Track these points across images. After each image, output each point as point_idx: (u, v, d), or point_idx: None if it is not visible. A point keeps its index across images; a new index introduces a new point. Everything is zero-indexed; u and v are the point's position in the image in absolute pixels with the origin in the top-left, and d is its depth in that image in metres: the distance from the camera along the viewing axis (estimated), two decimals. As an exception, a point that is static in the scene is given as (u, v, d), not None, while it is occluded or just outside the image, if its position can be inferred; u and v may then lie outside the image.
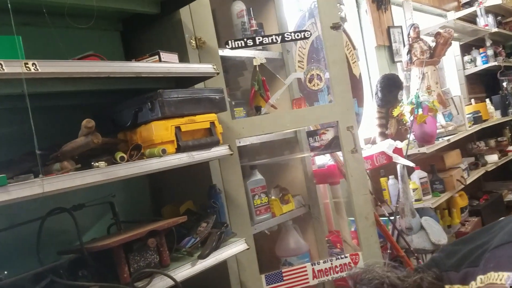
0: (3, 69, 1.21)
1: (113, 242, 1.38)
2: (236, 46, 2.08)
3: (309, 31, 2.39)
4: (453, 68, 5.98)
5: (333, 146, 2.29)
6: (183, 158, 1.66)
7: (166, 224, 1.54)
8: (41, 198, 1.25)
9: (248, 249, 1.90)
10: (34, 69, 1.28)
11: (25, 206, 1.42)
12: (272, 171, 2.64)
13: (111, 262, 1.46)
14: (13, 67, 1.23)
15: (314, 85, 2.24)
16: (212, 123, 1.80)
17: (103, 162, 1.45)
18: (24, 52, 1.33)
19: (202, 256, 1.66)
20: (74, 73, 1.40)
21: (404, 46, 4.44)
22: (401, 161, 3.08)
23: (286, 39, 2.17)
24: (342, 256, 2.24)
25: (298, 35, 2.16)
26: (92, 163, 1.44)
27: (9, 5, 1.32)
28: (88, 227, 1.89)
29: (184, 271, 1.59)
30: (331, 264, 2.18)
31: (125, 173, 1.45)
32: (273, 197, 2.43)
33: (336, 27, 2.24)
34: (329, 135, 2.26)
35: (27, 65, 1.27)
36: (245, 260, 2.04)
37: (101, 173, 1.40)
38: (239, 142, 2.22)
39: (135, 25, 2.12)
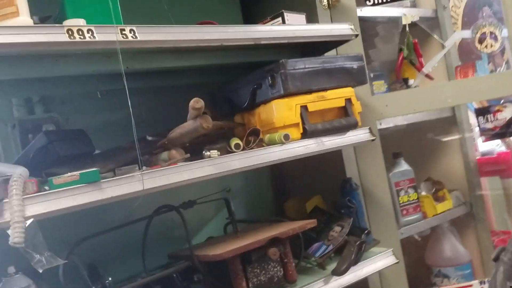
0: (94, 37, 0.98)
1: (226, 252, 1.10)
2: (380, 1, 1.63)
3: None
4: None
5: None
6: (311, 146, 1.30)
7: (291, 231, 1.22)
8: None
9: (397, 262, 1.48)
10: (132, 36, 1.04)
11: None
12: (421, 160, 2.14)
13: (226, 271, 1.19)
14: (106, 34, 1.00)
15: (486, 47, 1.68)
16: (348, 100, 1.40)
17: (216, 151, 1.18)
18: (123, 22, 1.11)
19: (338, 272, 1.30)
20: (180, 41, 1.13)
21: None
22: None
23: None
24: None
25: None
26: (203, 152, 1.17)
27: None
28: (204, 223, 1.67)
29: (315, 290, 1.26)
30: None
31: (240, 165, 1.16)
32: (423, 193, 2.01)
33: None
34: (506, 113, 1.68)
35: (123, 32, 1.03)
36: (390, 274, 1.63)
37: (212, 165, 1.12)
38: (380, 124, 1.79)
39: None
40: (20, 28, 0.88)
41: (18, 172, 0.91)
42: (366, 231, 1.46)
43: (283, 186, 1.91)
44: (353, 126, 1.39)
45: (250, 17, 1.88)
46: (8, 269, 0.99)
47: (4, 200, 0.85)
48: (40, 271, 0.85)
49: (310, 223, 1.28)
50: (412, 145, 2.11)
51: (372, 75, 1.98)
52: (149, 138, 1.42)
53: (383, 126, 1.82)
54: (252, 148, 1.22)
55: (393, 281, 1.63)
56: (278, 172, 1.92)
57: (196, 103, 1.11)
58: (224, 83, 1.55)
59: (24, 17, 0.91)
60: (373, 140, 1.46)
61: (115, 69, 1.13)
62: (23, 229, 0.83)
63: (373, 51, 2.24)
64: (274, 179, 1.92)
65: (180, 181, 1.07)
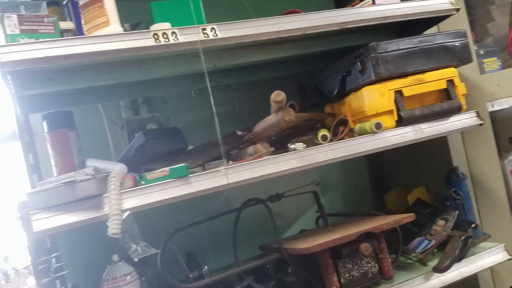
0: (178, 39, 1.02)
1: (314, 246, 1.08)
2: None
3: None
4: None
5: None
6: (408, 134, 1.21)
7: (385, 225, 1.14)
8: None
9: (510, 259, 1.31)
10: (213, 34, 1.07)
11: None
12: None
13: (317, 265, 1.16)
14: (189, 35, 1.04)
15: None
16: (450, 82, 1.27)
17: (301, 144, 1.16)
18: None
19: (440, 269, 1.19)
20: (260, 34, 1.13)
21: None
22: None
23: None
24: None
25: None
26: (289, 145, 1.16)
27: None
28: (298, 215, 1.66)
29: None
30: None
31: (325, 157, 1.12)
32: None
33: None
34: None
35: (204, 31, 1.06)
36: (505, 272, 1.45)
37: (296, 158, 1.10)
38: (492, 106, 1.58)
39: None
40: (110, 36, 0.96)
41: (117, 169, 0.99)
42: (473, 225, 1.31)
43: (382, 177, 1.81)
44: (457, 110, 1.26)
45: (344, 3, 1.80)
46: (112, 257, 1.09)
47: (104, 195, 0.93)
48: (135, 260, 0.92)
49: (407, 217, 1.19)
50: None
51: (482, 51, 1.76)
52: (239, 132, 1.45)
53: (496, 107, 1.60)
54: (340, 139, 1.17)
55: (509, 279, 1.44)
56: (378, 163, 1.82)
57: (277, 96, 1.09)
58: (313, 72, 1.51)
59: (114, 26, 0.98)
60: (481, 124, 1.30)
61: (203, 67, 1.18)
62: (120, 221, 0.90)
63: (492, 24, 1.99)
64: (373, 170, 1.82)
65: (264, 174, 1.07)
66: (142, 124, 1.65)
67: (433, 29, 1.46)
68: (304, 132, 1.33)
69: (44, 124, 1.26)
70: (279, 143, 1.27)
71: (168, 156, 1.25)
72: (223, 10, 1.54)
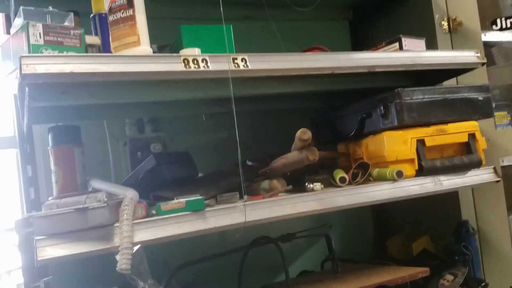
0: (208, 66, 0.98)
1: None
2: (509, 25, 1.45)
3: None
4: None
5: None
6: (427, 185, 1.18)
7: (400, 279, 1.10)
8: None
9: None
10: (243, 65, 1.03)
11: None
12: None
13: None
14: (219, 64, 0.99)
15: None
16: (472, 136, 1.25)
17: (319, 184, 1.12)
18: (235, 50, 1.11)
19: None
20: (291, 69, 1.10)
21: None
22: None
23: None
24: None
25: None
26: (306, 184, 1.11)
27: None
28: (297, 255, 1.60)
29: None
30: None
31: (347, 202, 1.08)
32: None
33: None
34: None
35: (235, 61, 1.02)
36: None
37: (316, 200, 1.06)
38: (502, 161, 1.58)
39: (367, 12, 1.73)
40: (140, 57, 0.91)
41: (130, 196, 0.93)
42: (483, 284, 1.28)
43: (385, 222, 1.77)
44: (477, 165, 1.24)
45: (360, 41, 1.80)
46: (113, 291, 1.01)
47: (115, 224, 0.87)
48: (143, 299, 0.85)
49: (422, 272, 1.15)
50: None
51: (493, 104, 1.77)
52: (249, 163, 1.40)
53: (505, 163, 1.60)
54: (359, 183, 1.14)
55: None
56: (381, 206, 1.79)
57: (304, 134, 1.06)
58: (327, 108, 1.49)
59: (145, 47, 0.94)
60: (497, 181, 1.28)
61: (222, 94, 1.13)
62: (130, 256, 0.83)
63: (493, 68, 2.01)
64: (376, 213, 1.79)
65: (282, 215, 1.02)
66: (146, 143, 1.59)
67: (450, 81, 1.46)
68: (316, 169, 1.29)
69: (49, 137, 1.20)
70: (290, 178, 1.22)
71: (178, 183, 1.19)
72: (249, 39, 1.52)
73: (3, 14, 1.43)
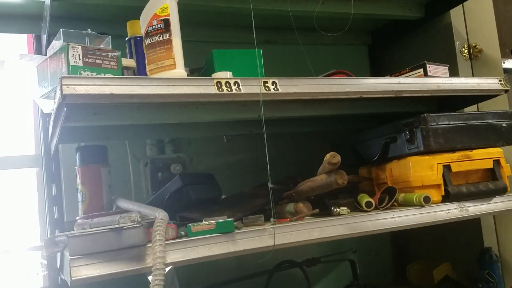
0: (240, 89, 0.99)
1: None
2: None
3: None
4: None
5: None
6: (453, 211, 1.17)
7: (428, 306, 1.08)
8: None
9: None
10: (273, 88, 1.04)
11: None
12: None
13: None
14: (250, 87, 1.01)
15: None
16: (497, 162, 1.25)
17: (346, 209, 1.11)
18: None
19: None
20: (320, 93, 1.11)
21: None
22: None
23: None
24: None
25: None
26: (332, 209, 1.11)
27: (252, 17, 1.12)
28: (316, 278, 1.58)
29: None
30: None
31: (374, 227, 1.07)
32: None
33: None
34: None
35: (266, 84, 1.03)
36: None
37: (343, 224, 1.06)
38: (523, 188, 1.57)
39: (386, 37, 1.76)
40: (175, 80, 0.92)
41: (161, 217, 0.93)
42: (510, 314, 1.26)
43: (404, 247, 1.75)
44: (502, 191, 1.23)
45: (378, 66, 1.83)
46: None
47: (147, 245, 0.87)
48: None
49: (449, 300, 1.13)
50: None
51: None
52: (270, 185, 1.40)
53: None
54: (386, 208, 1.13)
55: None
56: (400, 231, 1.77)
57: (333, 157, 1.06)
58: (352, 131, 1.50)
59: (180, 70, 0.96)
60: (523, 208, 1.27)
61: (248, 117, 1.15)
62: (163, 277, 0.83)
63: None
64: (395, 238, 1.77)
65: (310, 239, 1.01)
66: (166, 163, 1.60)
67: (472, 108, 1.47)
68: (338, 192, 1.29)
69: (77, 157, 1.21)
70: (313, 201, 1.22)
71: (202, 204, 1.19)
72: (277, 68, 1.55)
73: (33, 35, 1.46)
